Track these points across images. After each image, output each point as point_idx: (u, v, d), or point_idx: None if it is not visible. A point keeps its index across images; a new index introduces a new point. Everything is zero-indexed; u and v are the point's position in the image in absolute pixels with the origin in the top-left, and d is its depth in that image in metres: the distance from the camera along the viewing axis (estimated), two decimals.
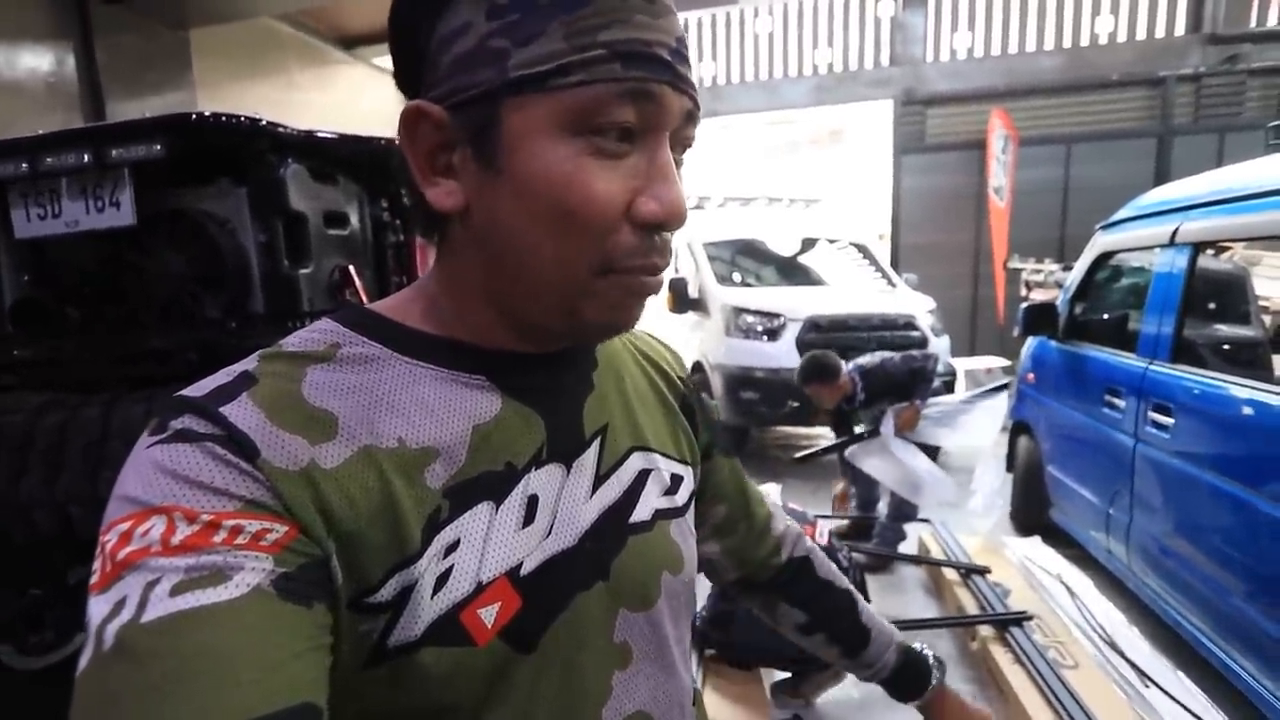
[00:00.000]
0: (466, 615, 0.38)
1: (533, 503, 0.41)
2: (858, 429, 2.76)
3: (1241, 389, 1.71)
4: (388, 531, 0.36)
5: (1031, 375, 3.07)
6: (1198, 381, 1.89)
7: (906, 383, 2.63)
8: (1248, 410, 1.67)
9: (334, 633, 0.34)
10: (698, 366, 4.48)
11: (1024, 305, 3.02)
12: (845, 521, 3.01)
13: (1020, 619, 1.95)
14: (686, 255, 4.89)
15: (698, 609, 1.93)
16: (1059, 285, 4.23)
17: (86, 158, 1.24)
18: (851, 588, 0.67)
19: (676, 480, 0.51)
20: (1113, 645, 1.92)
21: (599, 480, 0.45)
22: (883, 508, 2.76)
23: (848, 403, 2.65)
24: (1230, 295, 2.13)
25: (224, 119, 1.22)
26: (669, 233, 0.40)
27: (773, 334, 4.12)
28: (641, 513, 0.47)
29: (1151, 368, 2.10)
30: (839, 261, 5.29)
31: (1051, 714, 1.58)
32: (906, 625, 2.03)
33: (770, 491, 2.91)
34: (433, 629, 0.37)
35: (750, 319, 4.19)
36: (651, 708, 0.46)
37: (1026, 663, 1.77)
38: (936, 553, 2.49)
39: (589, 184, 0.37)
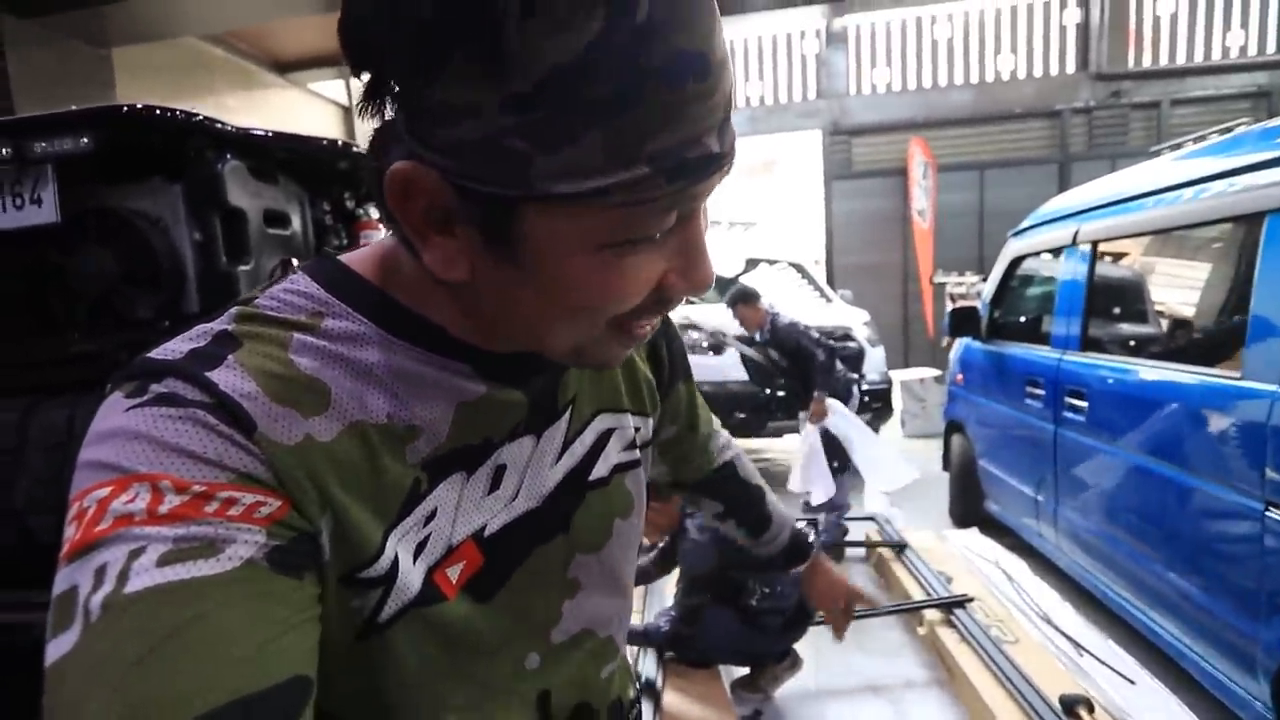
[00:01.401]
0: (438, 575, 0.40)
1: (500, 471, 0.43)
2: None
3: (1146, 370, 1.88)
4: (375, 505, 0.37)
5: (960, 376, 3.25)
6: (1106, 366, 2.06)
7: (794, 351, 3.02)
8: (1148, 387, 1.83)
9: (321, 601, 0.34)
10: None
11: (950, 309, 3.22)
12: None
13: (963, 601, 2.04)
14: None
15: (663, 608, 1.93)
16: (980, 295, 4.51)
17: (5, 151, 1.18)
18: (763, 484, 0.79)
19: (637, 432, 0.53)
20: (1048, 620, 2.02)
21: (566, 445, 0.47)
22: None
23: (760, 332, 3.20)
24: (1130, 293, 2.34)
25: (158, 111, 1.18)
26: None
27: (717, 348, 4.23)
28: (600, 470, 0.49)
29: (1065, 357, 2.27)
30: (779, 280, 5.50)
31: (997, 685, 1.65)
32: (858, 616, 2.08)
33: None
34: (419, 593, 0.38)
35: (695, 335, 4.30)
36: (593, 625, 0.50)
37: (971, 641, 1.84)
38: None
39: (623, 284, 0.35)
